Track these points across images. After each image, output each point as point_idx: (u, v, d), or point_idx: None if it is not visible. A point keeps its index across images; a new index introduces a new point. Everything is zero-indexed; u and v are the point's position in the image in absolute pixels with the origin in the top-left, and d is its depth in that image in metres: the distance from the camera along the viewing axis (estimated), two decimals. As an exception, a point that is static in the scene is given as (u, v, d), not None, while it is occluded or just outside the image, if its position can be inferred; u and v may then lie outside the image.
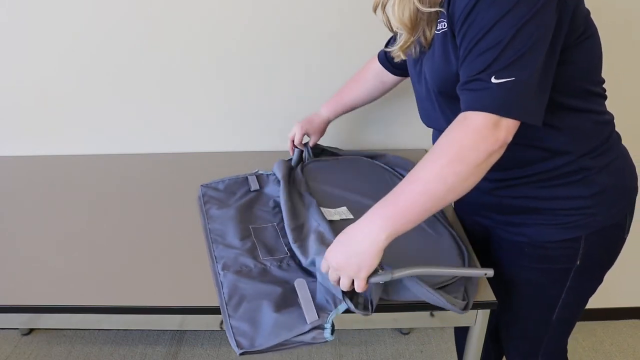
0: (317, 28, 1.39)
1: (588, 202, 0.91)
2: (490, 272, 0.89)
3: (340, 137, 1.55)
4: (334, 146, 1.45)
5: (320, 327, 0.89)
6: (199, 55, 1.43)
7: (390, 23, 0.95)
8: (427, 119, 1.03)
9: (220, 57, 1.43)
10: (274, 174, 1.30)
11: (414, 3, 0.84)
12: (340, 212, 1.14)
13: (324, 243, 0.99)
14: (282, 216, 1.14)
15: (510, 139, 0.77)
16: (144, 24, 1.39)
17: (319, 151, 1.41)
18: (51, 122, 1.53)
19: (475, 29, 0.76)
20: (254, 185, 1.28)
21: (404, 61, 1.04)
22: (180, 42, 1.41)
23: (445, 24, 0.83)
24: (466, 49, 0.78)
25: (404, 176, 1.28)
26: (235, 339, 0.88)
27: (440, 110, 0.95)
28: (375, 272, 0.85)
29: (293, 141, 1.34)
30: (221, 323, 0.97)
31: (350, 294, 0.90)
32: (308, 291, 0.94)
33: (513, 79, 0.74)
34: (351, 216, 1.13)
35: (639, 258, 1.76)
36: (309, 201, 1.15)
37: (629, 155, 0.97)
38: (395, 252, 0.91)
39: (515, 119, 0.76)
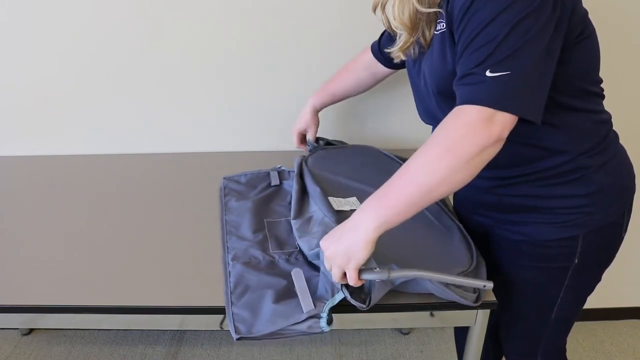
0: (317, 28, 1.39)
1: (585, 200, 0.92)
2: (489, 285, 0.88)
3: (338, 135, 1.54)
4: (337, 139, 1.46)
5: (317, 317, 0.90)
6: (199, 55, 1.43)
7: (389, 23, 0.95)
8: (426, 117, 1.03)
9: (220, 57, 1.43)
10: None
11: (413, 4, 0.84)
12: (351, 202, 1.14)
13: None
14: None
15: (505, 134, 0.75)
16: (144, 24, 1.39)
17: (325, 144, 1.41)
18: (51, 122, 1.53)
19: (472, 25, 0.76)
20: (275, 180, 1.31)
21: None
22: (180, 42, 1.41)
23: (444, 24, 0.84)
24: (463, 45, 0.78)
25: None
26: (234, 325, 0.91)
27: (439, 109, 0.95)
28: (372, 270, 0.85)
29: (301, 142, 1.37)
30: (221, 323, 0.98)
31: (353, 288, 0.91)
32: (304, 280, 0.97)
33: (509, 72, 0.73)
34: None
35: (638, 258, 1.77)
36: (314, 190, 1.15)
37: (626, 154, 0.98)
38: (406, 246, 0.91)
39: (510, 112, 0.74)
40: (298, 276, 0.99)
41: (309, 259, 1.02)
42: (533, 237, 0.97)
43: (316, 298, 0.93)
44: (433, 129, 1.05)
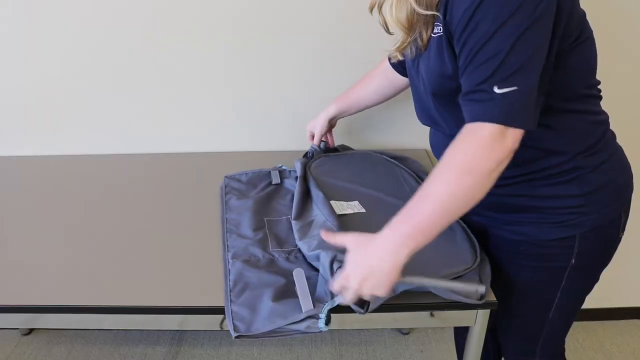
0: (320, 28, 1.39)
1: (580, 200, 0.92)
2: (481, 289, 0.91)
3: (342, 138, 1.54)
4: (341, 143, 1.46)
5: (315, 317, 0.90)
6: (200, 55, 1.43)
7: (386, 23, 0.95)
8: (423, 117, 1.04)
9: (221, 58, 1.43)
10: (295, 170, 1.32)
11: (410, 4, 0.85)
12: (353, 206, 1.15)
13: None
14: None
15: (517, 146, 0.78)
16: (144, 23, 1.39)
17: (324, 147, 1.41)
18: (51, 122, 1.53)
19: (474, 38, 0.76)
20: (276, 179, 1.32)
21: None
22: (180, 42, 1.41)
23: (441, 28, 0.84)
24: (466, 59, 0.78)
25: (412, 170, 1.29)
26: (233, 323, 0.91)
27: (436, 110, 0.95)
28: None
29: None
30: (221, 323, 0.98)
31: None
32: (305, 281, 0.97)
33: (516, 88, 0.75)
34: (363, 210, 1.14)
35: (638, 258, 1.76)
36: (317, 195, 1.16)
37: (624, 154, 0.98)
38: None
39: (520, 128, 0.77)
40: (299, 276, 0.99)
41: (308, 259, 1.03)
42: (531, 237, 0.97)
43: (315, 298, 0.93)
44: (431, 130, 1.05)
